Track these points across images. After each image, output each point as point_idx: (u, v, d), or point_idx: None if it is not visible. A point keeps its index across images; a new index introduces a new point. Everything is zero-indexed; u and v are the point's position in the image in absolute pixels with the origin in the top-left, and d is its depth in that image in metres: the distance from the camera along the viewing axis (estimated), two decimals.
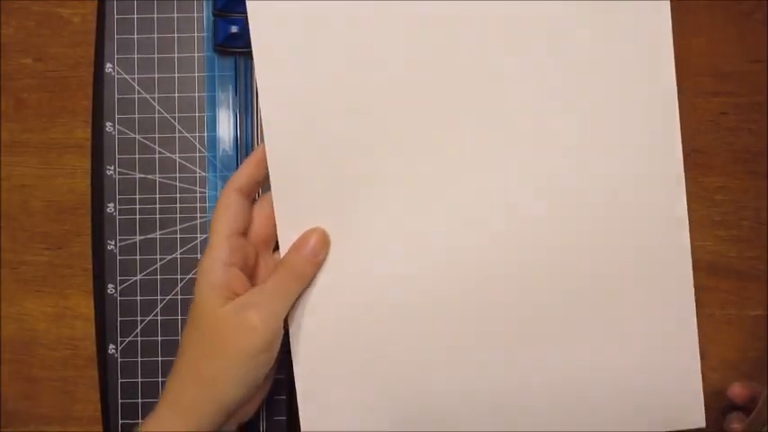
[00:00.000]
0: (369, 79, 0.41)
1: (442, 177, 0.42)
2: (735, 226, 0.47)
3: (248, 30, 0.42)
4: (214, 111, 0.47)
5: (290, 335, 0.42)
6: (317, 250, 0.41)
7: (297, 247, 0.41)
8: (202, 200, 0.47)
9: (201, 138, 0.47)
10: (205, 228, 0.47)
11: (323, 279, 0.41)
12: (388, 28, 0.41)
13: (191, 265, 0.46)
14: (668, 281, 0.42)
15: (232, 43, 0.46)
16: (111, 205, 0.47)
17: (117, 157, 0.47)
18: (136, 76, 0.47)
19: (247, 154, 0.46)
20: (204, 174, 0.47)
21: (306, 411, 0.42)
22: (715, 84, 0.47)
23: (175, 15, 0.47)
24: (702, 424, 0.43)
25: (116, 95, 0.47)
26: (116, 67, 0.47)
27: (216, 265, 0.39)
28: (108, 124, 0.47)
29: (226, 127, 0.47)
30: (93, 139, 0.47)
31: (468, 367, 0.42)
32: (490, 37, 0.42)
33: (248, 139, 0.47)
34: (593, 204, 0.42)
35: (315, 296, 0.41)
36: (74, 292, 0.48)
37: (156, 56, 0.47)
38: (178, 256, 0.47)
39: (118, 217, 0.47)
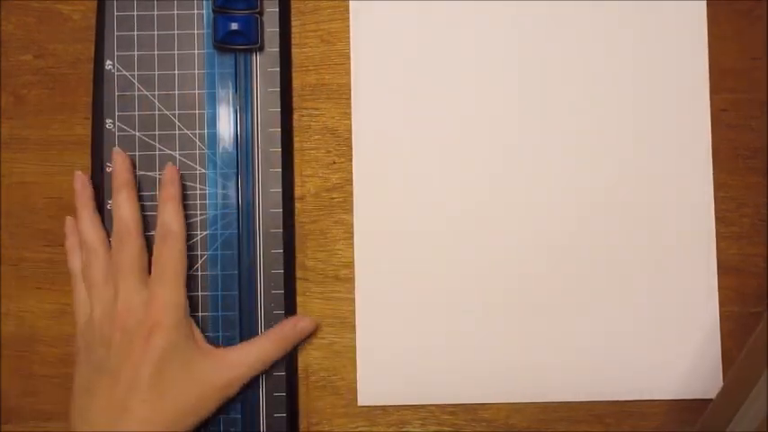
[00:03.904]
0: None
1: (482, 173, 0.47)
2: (735, 223, 0.47)
3: (248, 26, 0.45)
4: (214, 108, 0.47)
5: (357, 325, 0.47)
6: (305, 332, 0.46)
7: (293, 322, 0.46)
8: (202, 197, 0.47)
9: (201, 135, 0.47)
10: (205, 224, 0.47)
11: (387, 279, 0.47)
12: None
13: (191, 262, 0.46)
14: (694, 263, 0.47)
15: (232, 40, 0.46)
16: (110, 204, 0.46)
17: None
18: (136, 73, 0.47)
19: (247, 151, 0.46)
20: (204, 171, 0.47)
21: (363, 387, 0.47)
22: (715, 80, 0.47)
23: (175, 12, 0.47)
24: None
25: (116, 92, 0.47)
26: (116, 65, 0.47)
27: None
28: (108, 121, 0.47)
29: (226, 124, 0.47)
30: (94, 136, 0.47)
31: (500, 343, 0.47)
32: (537, 37, 0.47)
33: (248, 136, 0.47)
34: (625, 199, 0.47)
35: (380, 294, 0.47)
36: None
37: (156, 53, 0.47)
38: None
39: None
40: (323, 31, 0.48)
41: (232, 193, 0.47)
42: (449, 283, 0.47)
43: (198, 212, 0.47)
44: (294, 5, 0.48)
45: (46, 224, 0.48)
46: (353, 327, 0.47)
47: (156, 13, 0.47)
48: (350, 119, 0.48)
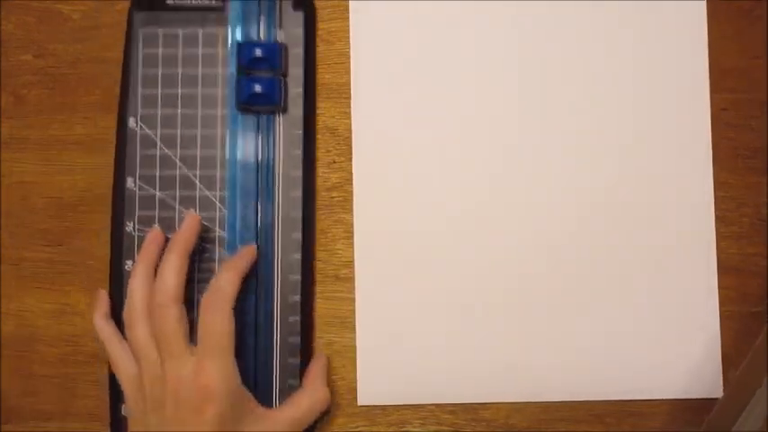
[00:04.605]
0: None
1: (482, 173, 0.47)
2: (735, 222, 0.47)
3: (272, 88, 0.45)
4: (235, 170, 0.46)
5: (357, 325, 0.47)
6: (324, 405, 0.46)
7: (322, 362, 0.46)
8: (221, 259, 0.46)
9: (222, 197, 0.46)
10: None
11: (387, 279, 0.47)
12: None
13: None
14: (694, 263, 0.47)
15: (255, 102, 0.46)
16: (130, 263, 0.46)
17: (137, 213, 0.46)
18: (159, 131, 0.46)
19: (267, 214, 0.46)
20: (224, 234, 0.46)
21: (362, 386, 0.47)
22: (715, 80, 0.47)
23: (199, 71, 0.47)
24: (720, 395, 0.46)
25: (138, 151, 0.46)
26: (139, 122, 0.46)
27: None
28: (129, 180, 0.46)
29: (247, 187, 0.46)
30: (115, 195, 0.47)
31: (500, 343, 0.47)
32: (537, 37, 0.48)
33: (269, 200, 0.46)
34: (625, 199, 0.47)
35: (380, 294, 0.47)
36: (74, 289, 0.48)
37: (179, 111, 0.47)
38: (195, 317, 0.43)
39: None
40: (323, 30, 0.48)
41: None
42: (449, 282, 0.47)
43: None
44: None
45: (46, 224, 0.48)
46: (353, 327, 0.47)
47: (180, 71, 0.47)
48: (350, 118, 0.48)
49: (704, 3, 0.47)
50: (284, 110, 0.46)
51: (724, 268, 0.47)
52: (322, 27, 0.48)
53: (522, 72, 0.47)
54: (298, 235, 0.46)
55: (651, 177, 0.47)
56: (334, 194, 0.47)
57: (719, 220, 0.47)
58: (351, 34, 0.48)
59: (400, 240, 0.47)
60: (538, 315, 0.47)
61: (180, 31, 0.47)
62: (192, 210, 0.46)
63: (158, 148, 0.46)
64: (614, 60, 0.47)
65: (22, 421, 0.48)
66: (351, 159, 0.48)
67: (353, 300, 0.47)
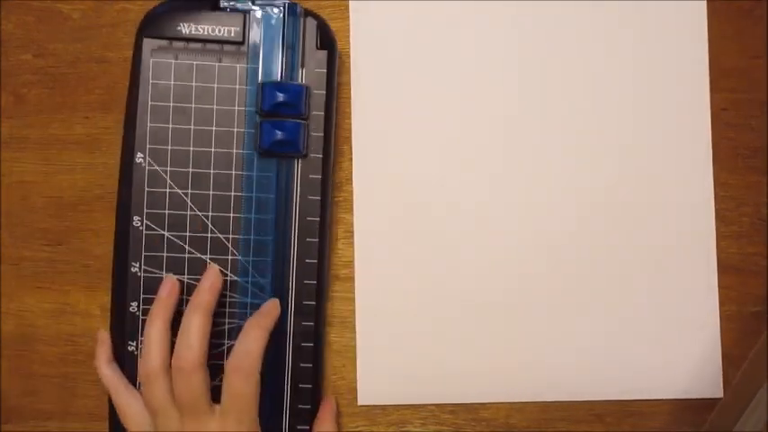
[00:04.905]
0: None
1: (482, 173, 0.47)
2: (735, 222, 0.47)
3: (295, 135, 0.43)
4: (250, 213, 0.44)
5: (357, 325, 0.47)
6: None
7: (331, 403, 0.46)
8: (232, 305, 0.44)
9: (236, 240, 0.44)
10: (233, 333, 0.44)
11: (387, 279, 0.47)
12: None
13: (215, 371, 0.43)
14: (694, 263, 0.47)
15: (278, 149, 0.43)
16: (135, 304, 0.44)
17: (143, 254, 0.44)
18: (168, 168, 0.44)
19: (283, 260, 0.44)
20: (236, 278, 0.44)
21: (363, 386, 0.47)
22: (715, 80, 0.47)
23: (214, 107, 0.44)
24: (720, 394, 0.46)
25: (146, 188, 0.44)
26: (147, 158, 0.44)
27: None
28: (135, 218, 0.44)
29: (262, 231, 0.44)
30: (118, 233, 0.44)
31: (500, 343, 0.47)
32: (537, 37, 0.48)
33: (285, 245, 0.44)
34: (625, 199, 0.47)
35: (380, 294, 0.47)
36: (74, 289, 0.48)
37: (191, 149, 0.44)
38: (208, 364, 0.42)
39: (141, 317, 0.44)
40: None
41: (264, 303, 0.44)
42: (449, 282, 0.47)
43: (226, 320, 0.44)
44: None
45: (46, 223, 0.48)
46: (353, 327, 0.47)
47: (193, 106, 0.44)
48: (350, 118, 0.48)
49: (704, 3, 0.47)
50: (304, 155, 0.44)
51: (724, 268, 0.47)
52: None
53: (522, 72, 0.47)
54: (312, 281, 0.44)
55: (651, 177, 0.47)
56: (335, 194, 0.47)
57: (719, 219, 0.47)
58: (351, 34, 0.48)
59: (400, 240, 0.47)
60: (538, 315, 0.47)
61: (195, 63, 0.44)
62: (212, 262, 0.44)
63: (168, 186, 0.44)
64: (614, 60, 0.47)
65: (22, 421, 0.47)
66: (351, 159, 0.48)
67: (353, 300, 0.47)
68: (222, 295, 0.44)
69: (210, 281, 0.43)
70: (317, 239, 0.44)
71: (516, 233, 0.47)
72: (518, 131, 0.47)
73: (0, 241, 0.48)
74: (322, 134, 0.44)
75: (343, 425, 0.47)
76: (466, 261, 0.47)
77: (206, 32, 0.44)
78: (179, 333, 0.41)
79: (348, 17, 0.48)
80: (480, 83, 0.47)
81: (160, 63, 0.44)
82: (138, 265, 0.44)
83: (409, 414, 0.47)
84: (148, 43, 0.44)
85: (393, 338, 0.47)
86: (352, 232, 0.47)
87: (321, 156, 0.44)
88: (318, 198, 0.44)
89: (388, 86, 0.47)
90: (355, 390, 0.47)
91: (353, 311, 0.47)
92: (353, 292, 0.47)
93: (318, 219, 0.44)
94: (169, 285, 0.43)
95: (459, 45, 0.47)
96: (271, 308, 0.43)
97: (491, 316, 0.47)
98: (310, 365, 0.45)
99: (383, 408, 0.47)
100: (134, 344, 0.44)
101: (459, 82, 0.47)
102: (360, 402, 0.47)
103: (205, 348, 0.41)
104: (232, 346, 0.42)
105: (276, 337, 0.43)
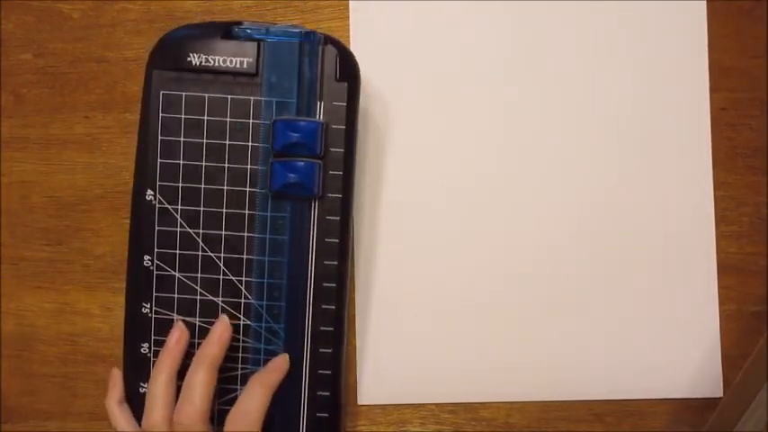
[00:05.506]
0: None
1: (482, 173, 0.47)
2: (735, 221, 0.47)
3: (308, 177, 0.41)
4: (264, 255, 0.42)
5: (357, 325, 0.46)
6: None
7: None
8: (245, 350, 0.43)
9: (249, 283, 0.42)
10: (245, 379, 0.43)
11: (387, 279, 0.47)
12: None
13: (224, 414, 0.42)
14: (694, 263, 0.47)
15: (290, 191, 0.41)
16: (146, 346, 0.43)
17: (154, 294, 0.42)
18: (179, 207, 0.42)
19: (297, 306, 0.42)
20: (249, 323, 0.42)
21: (363, 386, 0.47)
22: (715, 79, 0.47)
23: (227, 143, 0.42)
24: (720, 394, 0.46)
25: (156, 227, 0.42)
26: (158, 195, 0.42)
27: None
28: (146, 258, 0.42)
29: (276, 274, 0.42)
30: (128, 272, 0.43)
31: (500, 343, 0.47)
32: (537, 37, 0.47)
33: (300, 290, 0.42)
34: (625, 198, 0.47)
35: (380, 294, 0.47)
36: (73, 288, 0.48)
37: (203, 187, 0.42)
38: (216, 408, 0.42)
39: (151, 358, 0.43)
40: (323, 29, 0.48)
41: (278, 349, 0.43)
42: (449, 282, 0.47)
43: (239, 366, 0.43)
44: (294, 4, 0.48)
45: (45, 223, 0.48)
46: (353, 327, 0.47)
47: (205, 141, 0.42)
48: None
49: (704, 3, 0.47)
50: (321, 197, 0.42)
51: (724, 267, 0.47)
52: (322, 26, 0.48)
53: (521, 72, 0.47)
54: (329, 328, 0.42)
55: (651, 177, 0.47)
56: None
57: (719, 219, 0.47)
58: (351, 34, 0.48)
59: (400, 241, 0.47)
60: (538, 315, 0.47)
61: (206, 96, 0.42)
62: (223, 313, 0.42)
63: (179, 225, 0.42)
64: (614, 60, 0.47)
65: (22, 421, 0.47)
66: None
67: (353, 300, 0.47)
68: (235, 340, 0.42)
69: (219, 332, 0.41)
70: (334, 285, 0.42)
71: (516, 233, 0.47)
72: (518, 131, 0.47)
73: (0, 241, 0.48)
74: (341, 173, 0.42)
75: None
76: (466, 261, 0.47)
77: (218, 63, 0.41)
78: (183, 386, 0.40)
79: (348, 17, 0.48)
80: (480, 83, 0.47)
81: (170, 96, 0.42)
82: (149, 306, 0.42)
83: (409, 414, 0.47)
84: (158, 75, 0.42)
85: (393, 338, 0.47)
86: (353, 232, 0.47)
87: (340, 196, 0.42)
88: (337, 241, 0.42)
89: (388, 86, 0.47)
90: (355, 389, 0.47)
91: (353, 311, 0.47)
92: (354, 293, 0.47)
93: (336, 263, 0.42)
94: (177, 334, 0.42)
95: (460, 45, 0.47)
96: (279, 364, 0.42)
97: (491, 316, 0.47)
98: (326, 414, 0.43)
99: (383, 407, 0.47)
100: (146, 386, 0.42)
101: (459, 82, 0.47)
102: (360, 402, 0.47)
103: (208, 404, 0.40)
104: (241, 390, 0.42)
105: (290, 385, 0.42)
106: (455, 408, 0.47)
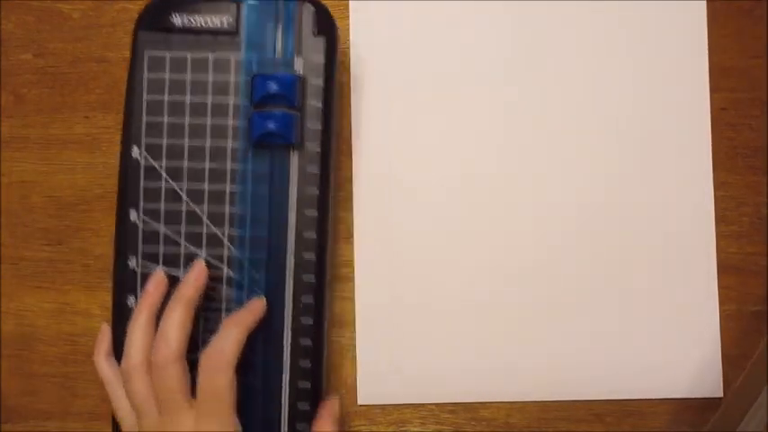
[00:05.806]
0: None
1: (482, 173, 0.48)
2: (735, 221, 0.47)
3: (286, 126, 0.42)
4: (246, 207, 0.43)
5: (357, 325, 0.47)
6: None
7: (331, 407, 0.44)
8: (228, 299, 0.43)
9: (231, 236, 0.43)
10: None
11: (387, 279, 0.47)
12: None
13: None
14: (694, 263, 0.47)
15: (269, 140, 0.43)
16: (132, 299, 0.43)
17: (140, 249, 0.43)
18: (164, 162, 0.43)
19: (278, 256, 0.43)
20: (232, 274, 0.43)
21: (363, 386, 0.47)
22: (715, 79, 0.47)
23: (209, 101, 0.43)
24: (720, 394, 0.46)
25: (142, 183, 0.43)
26: (143, 152, 0.43)
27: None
28: (132, 212, 0.43)
29: (258, 225, 0.43)
30: (117, 228, 0.44)
31: (500, 343, 0.47)
32: (536, 37, 0.48)
33: (281, 241, 0.43)
34: (625, 198, 0.47)
35: (380, 294, 0.47)
36: (73, 288, 0.48)
37: (186, 142, 0.43)
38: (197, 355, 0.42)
39: None
40: None
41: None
42: (449, 282, 0.47)
43: (223, 314, 0.43)
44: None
45: (45, 223, 0.48)
46: (353, 327, 0.47)
47: (188, 100, 0.43)
48: (350, 117, 0.48)
49: (704, 3, 0.47)
50: (300, 147, 0.43)
51: (724, 267, 0.47)
52: None
53: (521, 72, 0.47)
54: (310, 277, 0.43)
55: (651, 177, 0.47)
56: (335, 192, 0.47)
57: (719, 219, 0.47)
58: (351, 34, 0.48)
59: (400, 240, 0.47)
60: (538, 315, 0.47)
61: (188, 56, 0.43)
62: (199, 257, 0.43)
63: (163, 180, 0.43)
64: (614, 60, 0.47)
65: (22, 421, 0.48)
66: (351, 159, 0.48)
67: (353, 300, 0.47)
68: (218, 290, 0.43)
69: (195, 275, 0.42)
70: (314, 235, 0.43)
71: (516, 233, 0.47)
72: (518, 131, 0.47)
73: (0, 241, 0.48)
74: (320, 127, 0.43)
75: (343, 425, 0.47)
76: (466, 261, 0.47)
77: (199, 23, 0.43)
78: (159, 327, 0.41)
79: (348, 17, 0.48)
80: (480, 83, 0.47)
81: (155, 56, 0.43)
82: (135, 260, 0.43)
83: (409, 414, 0.47)
84: (143, 36, 0.43)
85: (393, 338, 0.47)
86: (352, 232, 0.47)
87: (319, 149, 0.43)
88: (317, 192, 0.43)
89: (388, 86, 0.47)
90: (355, 390, 0.47)
91: (353, 311, 0.47)
92: (353, 292, 0.47)
93: (316, 213, 0.43)
94: (155, 280, 0.43)
95: (460, 45, 0.47)
96: (255, 305, 0.43)
97: (491, 315, 0.47)
98: (309, 364, 0.44)
99: (383, 407, 0.47)
100: None
101: (459, 82, 0.47)
102: (360, 402, 0.47)
103: (183, 342, 0.41)
104: None
105: (272, 334, 0.43)
106: (455, 408, 0.47)
